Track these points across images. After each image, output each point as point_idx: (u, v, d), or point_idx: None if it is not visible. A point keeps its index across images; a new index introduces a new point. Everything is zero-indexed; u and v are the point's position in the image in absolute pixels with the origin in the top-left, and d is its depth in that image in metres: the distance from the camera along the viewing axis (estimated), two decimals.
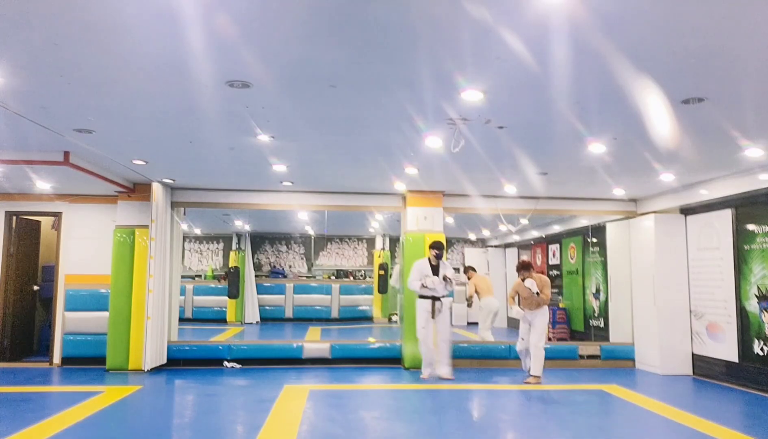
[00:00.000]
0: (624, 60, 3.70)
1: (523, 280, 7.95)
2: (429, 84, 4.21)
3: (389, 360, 9.04)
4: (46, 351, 9.25)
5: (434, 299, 7.91)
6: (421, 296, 7.93)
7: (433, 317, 7.85)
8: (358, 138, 5.81)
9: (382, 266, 15.42)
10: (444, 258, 8.13)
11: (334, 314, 15.71)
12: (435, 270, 7.98)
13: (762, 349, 7.19)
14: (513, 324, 15.20)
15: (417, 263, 8.06)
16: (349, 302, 15.89)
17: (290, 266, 16.92)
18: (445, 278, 7.90)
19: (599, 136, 5.58)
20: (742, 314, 7.53)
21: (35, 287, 9.70)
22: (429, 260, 8.07)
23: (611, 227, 10.23)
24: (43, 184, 8.08)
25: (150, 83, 4.26)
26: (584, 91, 4.37)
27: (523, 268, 8.05)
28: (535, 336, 7.87)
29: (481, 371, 8.69)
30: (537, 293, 7.80)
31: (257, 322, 15.07)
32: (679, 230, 8.75)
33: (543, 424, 5.85)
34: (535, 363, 7.80)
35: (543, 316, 8.00)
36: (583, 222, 11.36)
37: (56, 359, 8.69)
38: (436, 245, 8.05)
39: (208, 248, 16.74)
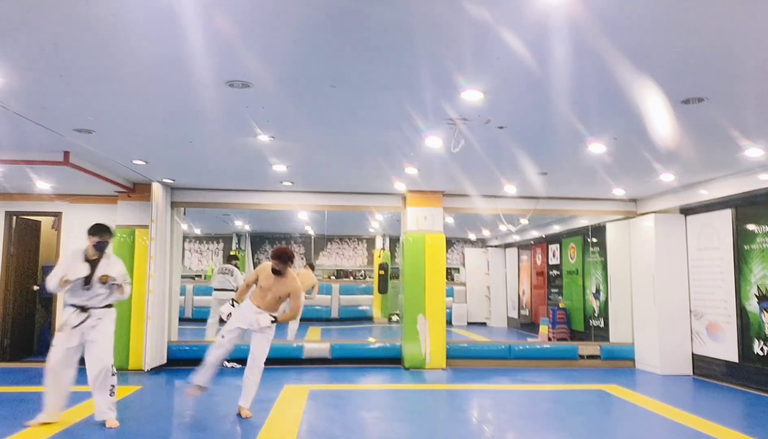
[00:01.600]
0: (624, 60, 3.70)
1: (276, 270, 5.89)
2: (429, 84, 4.21)
3: (389, 360, 9.04)
4: (46, 351, 9.12)
5: (84, 308, 5.31)
6: (67, 304, 5.39)
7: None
8: (358, 138, 5.81)
9: (382, 266, 15.42)
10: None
11: (334, 314, 15.70)
12: (93, 266, 5.39)
13: (762, 349, 7.19)
14: (513, 324, 15.21)
15: (66, 254, 5.58)
16: (349, 302, 15.87)
17: None
18: (103, 280, 5.36)
19: (599, 136, 5.58)
20: (742, 314, 7.53)
21: (35, 287, 9.70)
22: (85, 252, 5.47)
23: (611, 227, 10.23)
24: (43, 184, 8.08)
25: (150, 83, 4.27)
26: (584, 91, 4.37)
27: (280, 258, 5.86)
28: (259, 351, 5.84)
29: (480, 371, 8.69)
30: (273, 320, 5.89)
31: None
32: (679, 230, 8.75)
33: (543, 424, 5.85)
34: (251, 389, 5.81)
35: (269, 329, 5.89)
36: (583, 222, 11.36)
37: None
38: (94, 230, 5.50)
39: (208, 248, 16.74)
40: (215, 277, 10.86)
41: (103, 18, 3.20)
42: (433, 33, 3.38)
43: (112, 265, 5.50)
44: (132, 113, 5.06)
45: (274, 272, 5.83)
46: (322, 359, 8.93)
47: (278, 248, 5.98)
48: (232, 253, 11.99)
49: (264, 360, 5.87)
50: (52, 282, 5.28)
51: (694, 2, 2.98)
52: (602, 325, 10.61)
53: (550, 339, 11.68)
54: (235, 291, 10.53)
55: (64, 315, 5.39)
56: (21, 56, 3.77)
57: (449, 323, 14.34)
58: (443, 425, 5.81)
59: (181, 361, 8.70)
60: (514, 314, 15.17)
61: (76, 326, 5.29)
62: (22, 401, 6.42)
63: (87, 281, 5.30)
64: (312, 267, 10.85)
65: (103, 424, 5.37)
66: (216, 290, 10.73)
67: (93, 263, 5.40)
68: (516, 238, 14.92)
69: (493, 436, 5.39)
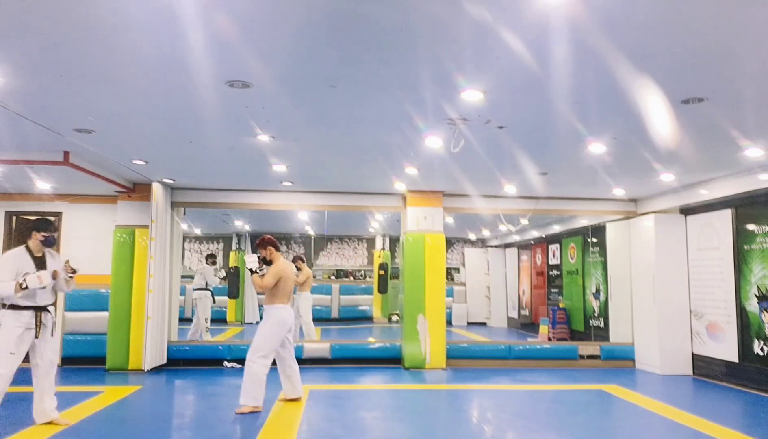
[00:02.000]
0: (624, 60, 3.70)
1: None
2: (429, 84, 4.21)
3: (389, 360, 9.04)
4: None
5: (38, 309, 5.19)
6: (13, 307, 5.09)
7: (37, 335, 5.18)
8: (358, 138, 5.81)
9: (382, 266, 15.42)
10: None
11: (334, 314, 15.71)
12: (41, 263, 5.26)
13: (762, 349, 7.19)
14: (513, 324, 15.22)
15: (9, 254, 5.30)
16: (349, 302, 15.89)
17: None
18: (56, 276, 5.27)
19: (599, 136, 5.58)
20: (742, 314, 7.53)
21: None
22: (28, 247, 5.27)
23: (611, 227, 10.23)
24: (43, 184, 8.08)
25: (150, 83, 4.27)
26: (584, 92, 4.37)
27: (260, 244, 6.40)
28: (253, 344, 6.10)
29: (480, 371, 8.69)
30: (251, 271, 6.19)
31: (257, 322, 15.07)
32: (679, 230, 8.75)
33: (543, 424, 5.85)
34: (244, 385, 5.89)
35: (269, 318, 6.14)
36: (583, 222, 11.36)
37: None
38: (40, 225, 5.32)
39: (208, 248, 16.73)
40: (195, 277, 11.29)
41: (103, 18, 3.20)
42: (433, 33, 3.38)
43: (56, 259, 5.42)
44: (132, 113, 5.06)
45: (263, 261, 6.37)
46: (322, 359, 8.93)
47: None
48: (208, 253, 12.26)
49: (254, 353, 6.00)
50: (5, 289, 4.97)
51: (694, 2, 2.98)
52: (602, 325, 10.61)
53: (550, 339, 11.68)
54: (207, 289, 10.92)
55: (21, 320, 5.10)
56: (21, 56, 3.77)
57: (449, 323, 14.35)
58: (443, 425, 5.81)
59: (181, 361, 8.71)
60: (514, 314, 15.17)
61: (35, 326, 5.16)
62: (22, 401, 6.41)
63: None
64: (302, 260, 10.99)
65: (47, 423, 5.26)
66: (194, 289, 11.04)
67: (40, 260, 5.26)
68: (516, 238, 14.91)
69: (493, 436, 5.39)
